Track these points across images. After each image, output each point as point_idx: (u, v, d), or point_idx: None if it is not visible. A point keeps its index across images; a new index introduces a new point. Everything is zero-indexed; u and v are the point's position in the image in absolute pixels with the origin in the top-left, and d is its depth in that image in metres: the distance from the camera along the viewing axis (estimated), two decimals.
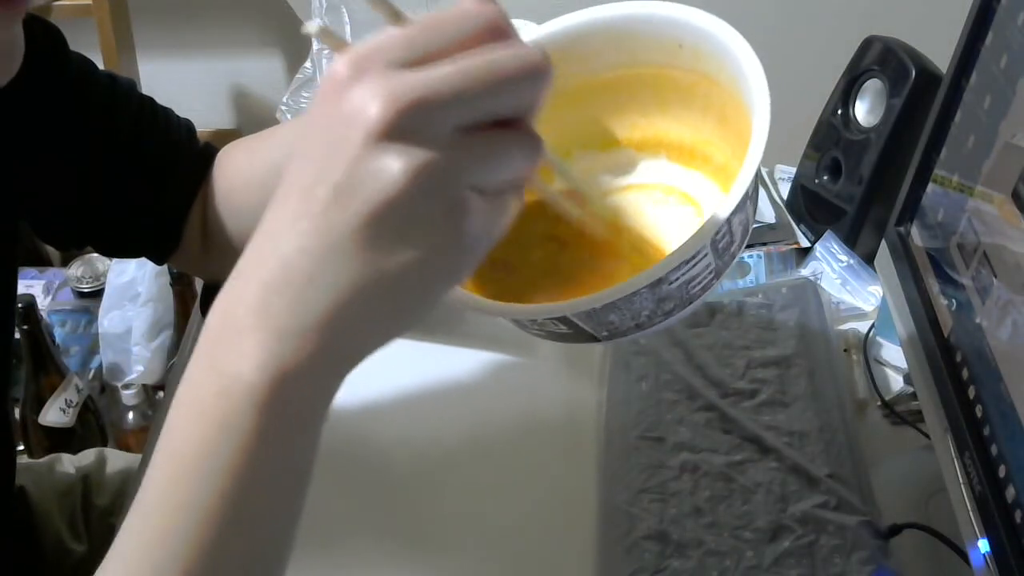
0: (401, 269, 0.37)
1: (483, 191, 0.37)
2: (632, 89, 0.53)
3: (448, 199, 0.36)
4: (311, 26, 0.36)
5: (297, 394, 0.38)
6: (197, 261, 0.78)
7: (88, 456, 0.91)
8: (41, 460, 0.90)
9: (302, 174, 0.37)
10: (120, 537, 0.40)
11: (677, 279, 0.44)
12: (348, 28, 0.93)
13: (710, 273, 0.46)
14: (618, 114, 0.55)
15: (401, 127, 0.34)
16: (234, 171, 0.75)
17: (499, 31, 0.36)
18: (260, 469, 0.38)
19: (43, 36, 0.67)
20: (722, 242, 0.45)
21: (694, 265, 0.44)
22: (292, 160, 0.38)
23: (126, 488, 0.87)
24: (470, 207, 0.36)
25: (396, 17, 0.38)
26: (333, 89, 0.36)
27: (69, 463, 0.90)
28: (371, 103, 0.34)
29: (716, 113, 0.51)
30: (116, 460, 0.91)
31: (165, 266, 1.41)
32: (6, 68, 0.54)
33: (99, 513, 0.86)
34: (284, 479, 0.40)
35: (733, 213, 0.43)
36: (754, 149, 0.44)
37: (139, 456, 0.77)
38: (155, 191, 0.73)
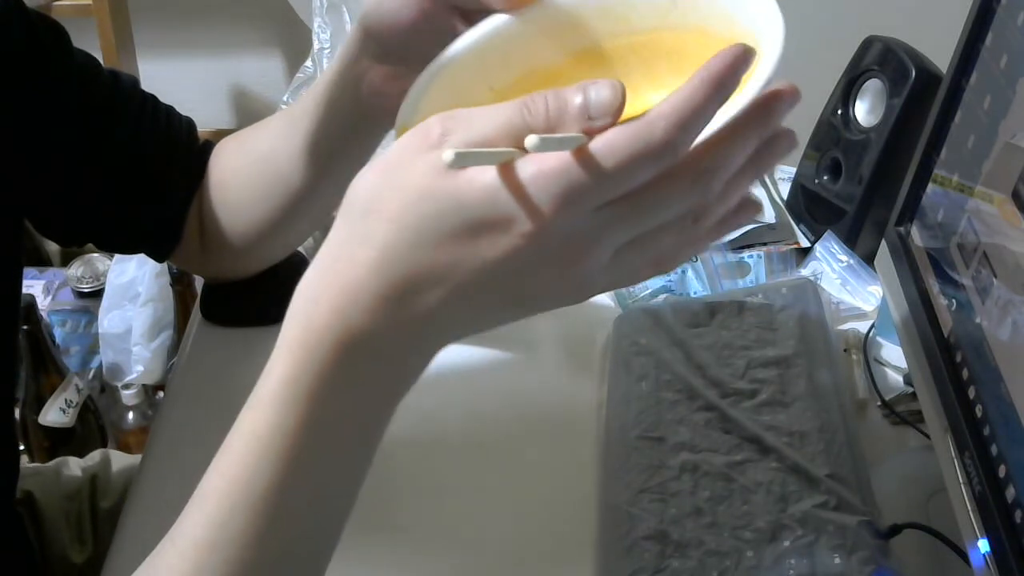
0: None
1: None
2: (627, 63, 0.52)
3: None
4: (447, 155, 0.37)
5: (363, 354, 0.41)
6: (196, 258, 0.78)
7: (94, 457, 0.92)
8: (48, 464, 0.90)
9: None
10: (203, 481, 0.44)
11: None
12: (348, 28, 0.93)
13: None
14: None
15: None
16: (225, 165, 0.75)
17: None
18: (326, 417, 0.42)
19: (47, 33, 0.67)
20: None
21: None
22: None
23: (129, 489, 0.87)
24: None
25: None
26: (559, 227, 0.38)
27: (76, 466, 0.90)
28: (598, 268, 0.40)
29: None
30: (120, 461, 0.91)
31: (165, 266, 1.41)
32: None
33: (104, 516, 0.86)
34: (348, 433, 0.44)
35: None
36: (763, 65, 0.42)
37: (140, 457, 0.77)
38: (156, 188, 0.73)
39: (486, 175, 0.38)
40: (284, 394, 0.42)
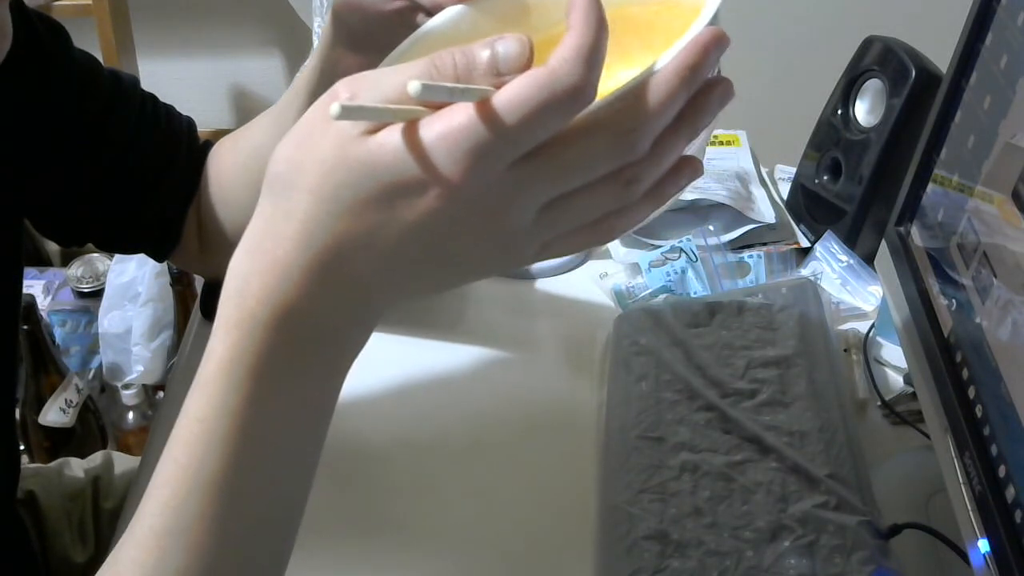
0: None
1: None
2: None
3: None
4: (334, 109, 0.36)
5: (299, 329, 0.41)
6: (195, 258, 0.78)
7: (96, 459, 0.92)
8: (50, 465, 0.90)
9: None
10: (156, 472, 0.44)
11: None
12: None
13: None
14: None
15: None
16: (220, 164, 0.75)
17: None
18: (269, 394, 0.42)
19: (47, 33, 0.67)
20: None
21: None
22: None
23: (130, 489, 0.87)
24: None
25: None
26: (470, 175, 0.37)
27: (78, 467, 0.90)
28: (530, 225, 0.39)
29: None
30: (123, 463, 0.91)
31: (165, 266, 1.41)
32: None
33: (106, 516, 0.86)
34: (293, 409, 0.43)
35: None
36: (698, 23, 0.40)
37: (139, 459, 0.77)
38: (156, 187, 0.73)
39: (394, 137, 0.37)
40: (224, 375, 0.41)
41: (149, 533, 0.43)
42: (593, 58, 0.36)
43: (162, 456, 0.43)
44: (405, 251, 0.39)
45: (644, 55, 0.49)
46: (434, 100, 0.37)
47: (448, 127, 0.36)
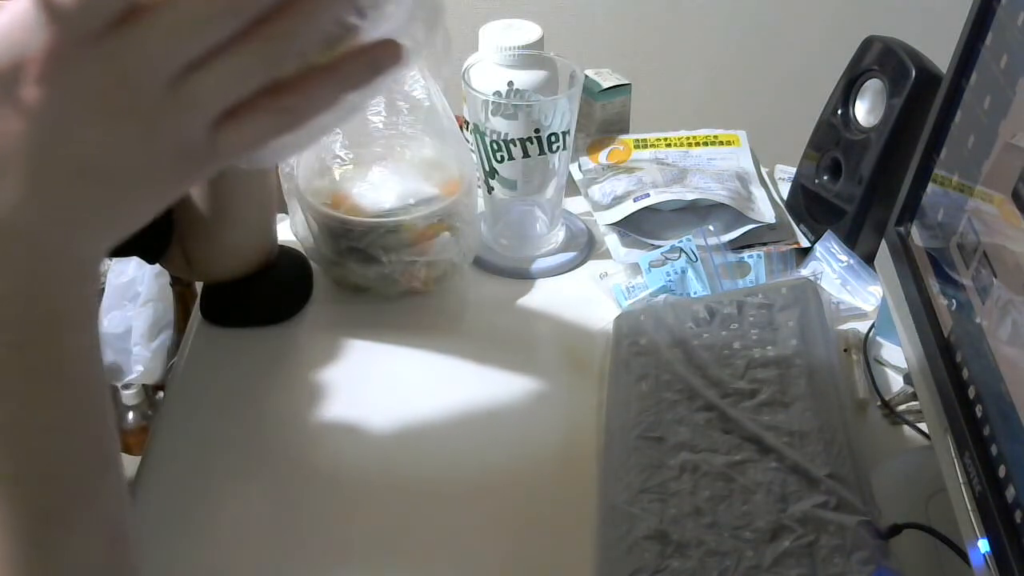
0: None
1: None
2: None
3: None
4: None
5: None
6: (181, 261, 0.79)
7: None
8: None
9: None
10: None
11: None
12: None
13: None
14: None
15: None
16: None
17: None
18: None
19: None
20: None
21: None
22: None
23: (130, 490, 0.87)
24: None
25: None
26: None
27: None
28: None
29: None
30: (125, 464, 0.91)
31: None
32: None
33: None
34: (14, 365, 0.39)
35: None
36: None
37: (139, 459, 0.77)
38: None
39: None
40: None
41: None
42: None
43: None
44: (35, 166, 0.36)
45: None
46: None
47: (10, 20, 0.34)
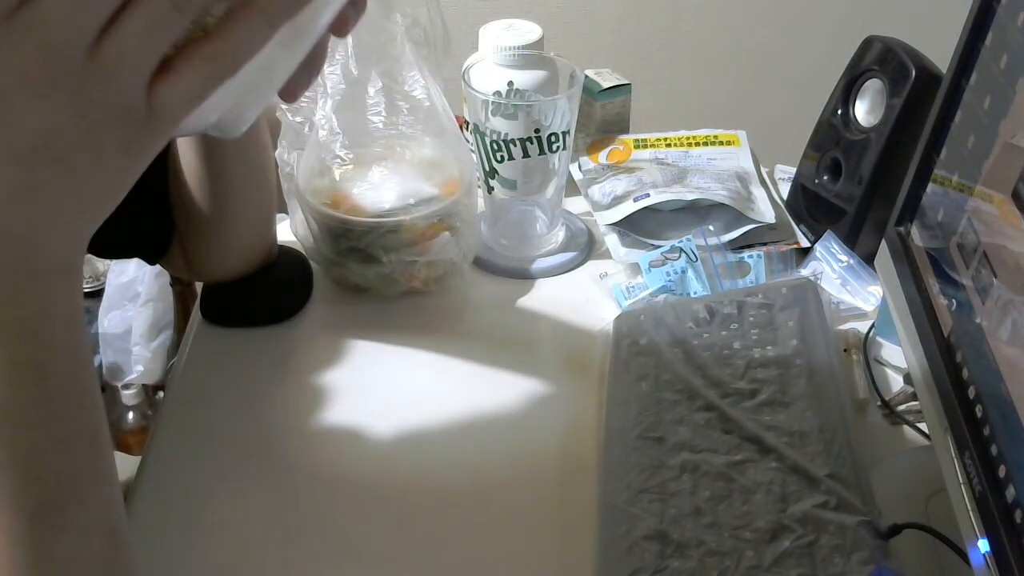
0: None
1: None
2: None
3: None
4: None
5: None
6: (182, 261, 0.78)
7: None
8: None
9: None
10: None
11: None
12: None
13: None
14: None
15: None
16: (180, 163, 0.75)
17: None
18: None
19: None
20: None
21: None
22: None
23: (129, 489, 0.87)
24: None
25: None
26: None
27: None
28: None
29: None
30: (122, 462, 0.91)
31: None
32: None
33: None
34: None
35: None
36: None
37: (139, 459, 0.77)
38: (147, 191, 0.73)
39: None
40: None
41: None
42: None
43: None
44: None
45: None
46: None
47: None
